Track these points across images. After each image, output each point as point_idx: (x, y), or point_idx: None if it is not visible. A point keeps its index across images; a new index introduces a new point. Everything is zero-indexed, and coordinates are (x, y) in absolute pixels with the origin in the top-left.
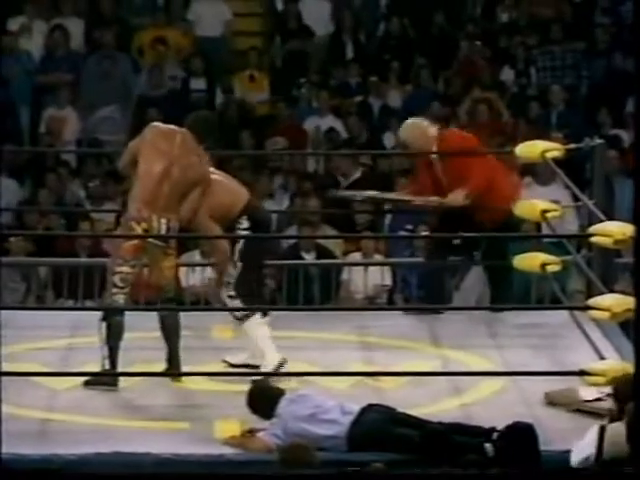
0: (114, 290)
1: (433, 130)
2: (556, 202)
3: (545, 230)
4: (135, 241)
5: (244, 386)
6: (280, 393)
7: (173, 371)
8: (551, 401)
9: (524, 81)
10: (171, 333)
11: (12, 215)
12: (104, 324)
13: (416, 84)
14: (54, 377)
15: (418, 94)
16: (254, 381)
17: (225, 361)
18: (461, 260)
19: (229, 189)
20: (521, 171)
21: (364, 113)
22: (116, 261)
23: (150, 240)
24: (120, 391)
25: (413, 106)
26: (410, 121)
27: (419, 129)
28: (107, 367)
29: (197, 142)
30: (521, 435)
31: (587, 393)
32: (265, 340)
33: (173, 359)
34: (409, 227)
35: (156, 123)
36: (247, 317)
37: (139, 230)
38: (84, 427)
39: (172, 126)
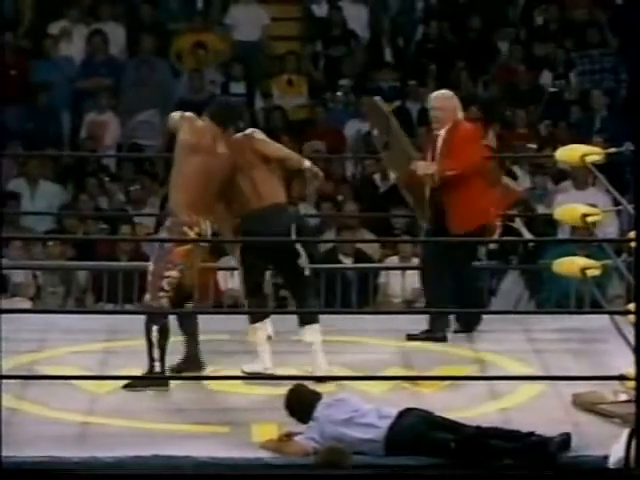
0: (161, 294)
1: (460, 112)
2: (594, 206)
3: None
4: (187, 246)
5: (282, 390)
6: (317, 397)
7: (193, 372)
8: (577, 403)
9: (563, 85)
10: (189, 334)
11: (53, 219)
12: (155, 327)
13: (454, 88)
14: (94, 381)
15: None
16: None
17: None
18: (498, 264)
19: (249, 189)
20: (558, 176)
21: (403, 117)
22: (166, 265)
23: (201, 244)
24: (159, 395)
25: None
26: (443, 92)
27: (452, 101)
28: (158, 369)
29: (221, 129)
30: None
31: (614, 396)
32: (263, 344)
33: (193, 361)
34: None
35: (187, 115)
36: (256, 320)
37: (192, 235)
38: (123, 430)
39: (199, 123)
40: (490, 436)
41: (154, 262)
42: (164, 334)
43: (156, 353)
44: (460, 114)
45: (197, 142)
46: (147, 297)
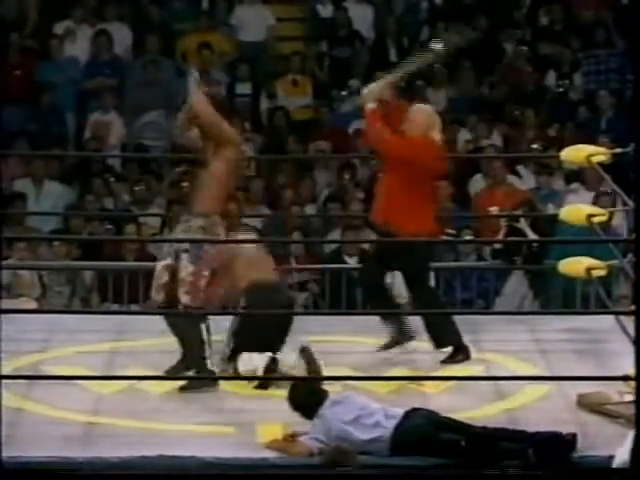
0: (200, 294)
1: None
2: (604, 207)
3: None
4: (223, 247)
5: (287, 390)
6: (324, 395)
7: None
8: (582, 403)
9: (569, 85)
10: (190, 338)
11: (59, 220)
12: (203, 325)
13: (460, 88)
14: (99, 381)
15: (462, 98)
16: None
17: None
18: (502, 264)
19: None
20: (570, 176)
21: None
22: (205, 266)
23: None
24: (164, 395)
25: (457, 110)
26: (420, 106)
27: (425, 117)
28: (210, 367)
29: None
30: (553, 445)
31: (619, 397)
32: None
33: (194, 364)
34: (452, 231)
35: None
36: None
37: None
38: (128, 430)
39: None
40: (496, 436)
41: (192, 263)
42: (209, 332)
43: (207, 352)
44: (435, 133)
45: (230, 154)
46: (186, 298)
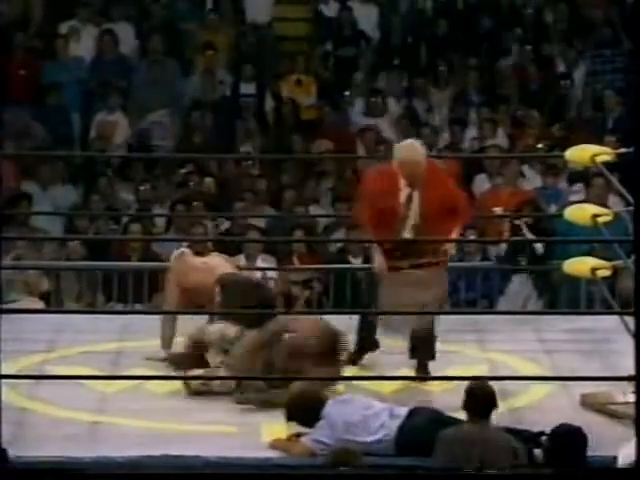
0: None
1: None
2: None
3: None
4: None
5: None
6: (323, 400)
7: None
8: (586, 403)
9: (572, 84)
10: None
11: (65, 219)
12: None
13: (464, 87)
14: (104, 380)
15: (466, 97)
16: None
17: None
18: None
19: None
20: (572, 177)
21: (412, 116)
22: None
23: None
24: (169, 395)
25: (461, 110)
26: (408, 142)
27: (419, 151)
28: None
29: None
30: (569, 438)
31: (623, 397)
32: None
33: None
34: None
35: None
36: None
37: None
38: (133, 430)
39: None
40: None
41: (217, 354)
42: None
43: None
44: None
45: None
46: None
